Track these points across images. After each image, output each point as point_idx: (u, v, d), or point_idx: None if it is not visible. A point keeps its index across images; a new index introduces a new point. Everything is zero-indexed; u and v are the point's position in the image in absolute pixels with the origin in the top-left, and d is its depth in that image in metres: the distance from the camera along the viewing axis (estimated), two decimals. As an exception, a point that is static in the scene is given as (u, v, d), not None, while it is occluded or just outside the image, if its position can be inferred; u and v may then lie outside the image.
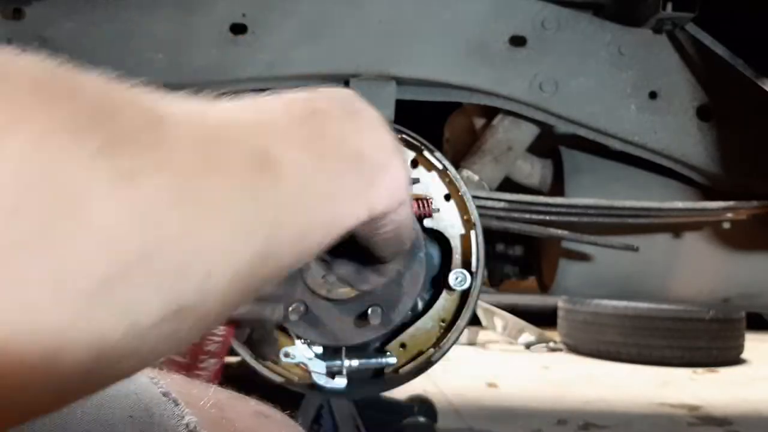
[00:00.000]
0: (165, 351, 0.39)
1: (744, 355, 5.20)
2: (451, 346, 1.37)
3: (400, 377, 1.38)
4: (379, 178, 0.60)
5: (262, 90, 1.71)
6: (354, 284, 0.97)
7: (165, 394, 0.61)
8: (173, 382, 0.64)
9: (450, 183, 1.37)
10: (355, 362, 1.33)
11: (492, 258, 1.94)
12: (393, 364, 1.37)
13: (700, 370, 4.81)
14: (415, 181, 1.38)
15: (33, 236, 0.30)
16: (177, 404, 0.60)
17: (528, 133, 1.64)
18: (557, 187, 1.73)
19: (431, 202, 1.37)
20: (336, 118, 0.59)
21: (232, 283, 0.41)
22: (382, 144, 0.62)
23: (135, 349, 0.35)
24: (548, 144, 1.77)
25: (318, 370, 1.30)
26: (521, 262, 1.97)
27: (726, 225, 1.60)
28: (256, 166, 0.44)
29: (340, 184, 0.55)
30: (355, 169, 0.57)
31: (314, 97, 0.60)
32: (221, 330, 0.88)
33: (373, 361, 1.36)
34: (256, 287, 0.45)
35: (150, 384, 0.61)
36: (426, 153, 1.36)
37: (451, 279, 1.36)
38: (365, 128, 0.62)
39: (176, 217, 0.37)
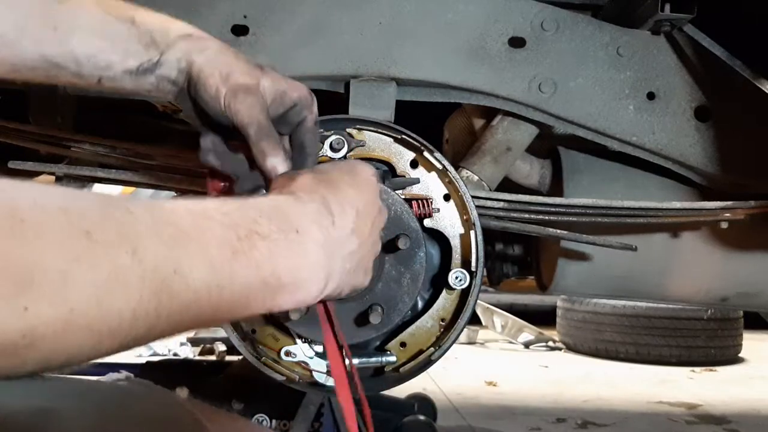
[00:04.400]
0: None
1: (742, 354, 5.21)
2: (450, 345, 1.38)
3: (400, 376, 1.39)
4: (285, 292, 0.73)
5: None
6: None
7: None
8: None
9: (450, 183, 1.38)
10: (355, 361, 1.34)
11: (491, 257, 1.95)
12: (393, 363, 1.38)
13: (698, 368, 4.82)
14: (415, 181, 1.39)
15: None
16: None
17: (527, 133, 1.64)
18: (556, 187, 1.74)
19: (431, 202, 1.38)
20: (270, 242, 0.71)
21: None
22: (309, 265, 0.76)
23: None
24: (547, 144, 1.78)
25: (319, 368, 1.31)
26: (520, 261, 1.98)
27: (724, 225, 1.60)
28: (160, 284, 0.59)
29: (239, 299, 0.68)
30: (260, 288, 0.70)
31: (262, 221, 0.72)
32: None
33: (374, 359, 1.37)
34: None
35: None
36: (426, 153, 1.37)
37: (451, 278, 1.37)
38: (292, 254, 0.74)
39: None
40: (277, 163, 0.92)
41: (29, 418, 0.77)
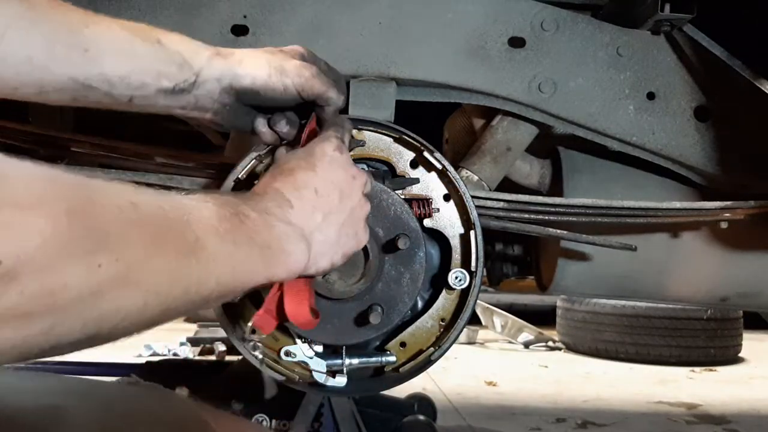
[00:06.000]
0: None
1: (742, 354, 5.22)
2: (450, 345, 1.38)
3: (400, 376, 1.39)
4: (279, 261, 0.83)
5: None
6: None
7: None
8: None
9: (449, 183, 1.38)
10: (355, 361, 1.34)
11: (491, 257, 1.95)
12: (393, 363, 1.38)
13: (698, 368, 4.82)
14: (415, 181, 1.39)
15: None
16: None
17: (527, 133, 1.65)
18: (556, 187, 1.74)
19: (431, 202, 1.38)
20: (252, 220, 0.80)
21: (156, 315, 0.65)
22: (287, 237, 0.85)
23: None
24: (547, 144, 1.78)
25: (319, 368, 1.31)
26: (520, 261, 1.98)
27: (723, 225, 1.60)
28: (188, 250, 0.67)
29: (246, 265, 0.77)
30: (258, 256, 0.79)
31: (240, 203, 0.81)
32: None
33: (374, 359, 1.36)
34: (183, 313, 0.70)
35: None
36: (426, 153, 1.37)
37: (451, 278, 1.37)
38: (275, 225, 0.84)
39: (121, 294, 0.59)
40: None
41: (38, 415, 0.79)
